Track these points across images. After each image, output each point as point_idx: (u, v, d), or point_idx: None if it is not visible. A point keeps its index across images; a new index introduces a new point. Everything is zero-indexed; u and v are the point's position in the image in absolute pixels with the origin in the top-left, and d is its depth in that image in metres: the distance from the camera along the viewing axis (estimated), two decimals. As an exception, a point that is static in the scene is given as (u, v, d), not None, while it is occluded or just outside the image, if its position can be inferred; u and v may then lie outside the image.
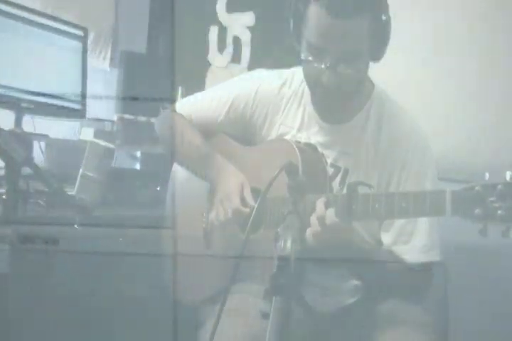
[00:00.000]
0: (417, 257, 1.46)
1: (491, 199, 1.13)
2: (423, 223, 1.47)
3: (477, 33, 2.17)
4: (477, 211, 1.14)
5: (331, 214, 1.31)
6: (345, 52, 1.42)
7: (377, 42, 1.45)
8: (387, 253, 1.48)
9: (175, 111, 1.76)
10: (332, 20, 1.39)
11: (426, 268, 1.48)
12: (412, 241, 1.47)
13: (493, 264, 2.08)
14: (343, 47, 1.42)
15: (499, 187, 1.12)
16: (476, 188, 1.15)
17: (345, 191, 1.40)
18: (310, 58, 1.46)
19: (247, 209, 1.48)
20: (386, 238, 1.49)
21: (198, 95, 1.77)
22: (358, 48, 1.43)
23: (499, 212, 1.12)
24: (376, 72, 1.54)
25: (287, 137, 1.59)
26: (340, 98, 1.49)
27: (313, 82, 1.49)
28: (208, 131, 1.69)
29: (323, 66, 1.42)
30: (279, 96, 1.60)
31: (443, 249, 1.50)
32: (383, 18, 1.43)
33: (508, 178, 1.12)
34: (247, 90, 1.63)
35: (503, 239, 1.13)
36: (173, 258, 1.67)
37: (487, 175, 1.15)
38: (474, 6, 2.19)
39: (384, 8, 1.44)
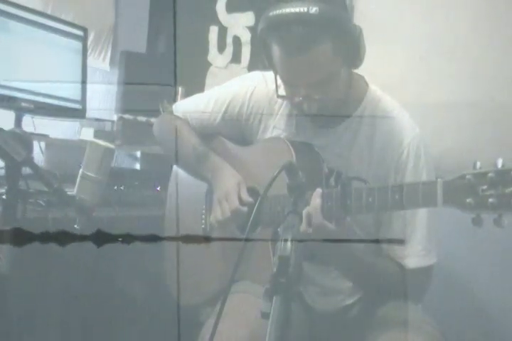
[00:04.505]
0: (415, 260, 1.46)
1: (483, 187, 1.10)
2: (421, 226, 1.46)
3: (477, 31, 2.17)
4: (469, 200, 1.11)
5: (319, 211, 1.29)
6: (317, 82, 1.39)
7: (351, 54, 1.41)
8: (385, 256, 1.48)
9: (172, 112, 1.76)
10: (293, 57, 1.36)
11: (424, 270, 1.48)
12: (411, 245, 1.46)
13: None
14: (313, 79, 1.39)
15: (490, 175, 1.09)
16: (467, 177, 1.12)
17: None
18: (286, 93, 1.45)
19: (246, 209, 1.48)
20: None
21: (196, 97, 1.77)
22: (330, 72, 1.39)
23: (490, 200, 1.09)
24: (373, 71, 1.52)
25: None
26: (329, 109, 1.47)
27: (297, 110, 1.50)
28: (205, 132, 1.69)
29: (301, 98, 1.42)
30: (273, 100, 1.58)
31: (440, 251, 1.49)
32: (347, 31, 1.37)
33: (499, 166, 1.09)
34: (243, 92, 1.63)
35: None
36: (174, 259, 1.68)
37: (478, 163, 1.12)
38: (476, 3, 2.20)
39: (343, 22, 1.38)
